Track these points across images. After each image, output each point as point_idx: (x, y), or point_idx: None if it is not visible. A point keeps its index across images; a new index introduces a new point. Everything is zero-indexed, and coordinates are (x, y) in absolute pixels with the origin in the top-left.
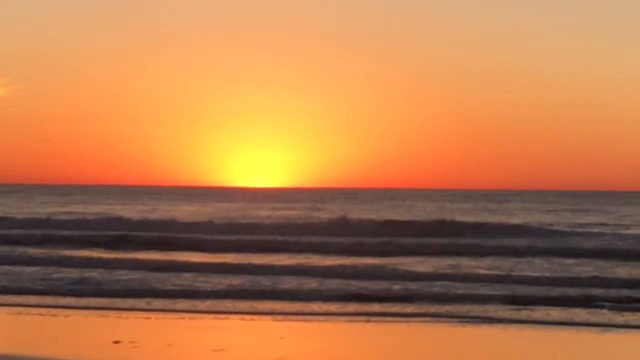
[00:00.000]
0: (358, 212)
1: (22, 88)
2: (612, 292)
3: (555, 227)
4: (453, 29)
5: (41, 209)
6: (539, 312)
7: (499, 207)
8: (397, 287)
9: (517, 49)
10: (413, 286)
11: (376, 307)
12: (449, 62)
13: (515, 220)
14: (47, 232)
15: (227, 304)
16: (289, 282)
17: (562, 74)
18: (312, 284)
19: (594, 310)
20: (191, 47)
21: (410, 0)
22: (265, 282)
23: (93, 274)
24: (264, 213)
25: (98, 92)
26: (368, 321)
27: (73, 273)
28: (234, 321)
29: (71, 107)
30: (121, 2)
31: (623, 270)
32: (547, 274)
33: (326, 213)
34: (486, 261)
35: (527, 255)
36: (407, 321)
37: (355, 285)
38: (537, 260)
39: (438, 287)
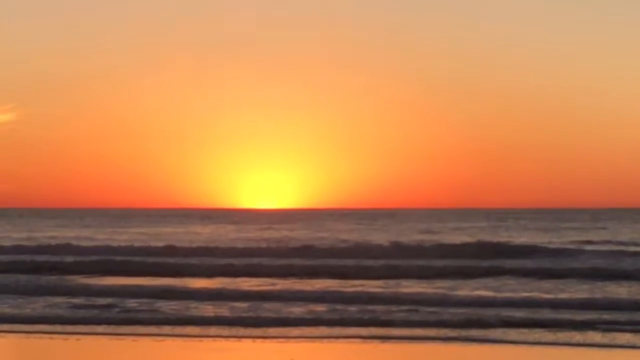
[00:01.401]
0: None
1: (27, 112)
2: None
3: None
4: (459, 46)
5: (55, 232)
6: None
7: (515, 225)
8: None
9: (526, 65)
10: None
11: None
12: (457, 80)
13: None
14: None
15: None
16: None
17: (573, 92)
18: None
19: None
20: (198, 68)
21: (416, 17)
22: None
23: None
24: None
25: (104, 114)
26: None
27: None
28: (245, 343)
29: (77, 129)
30: (125, 23)
31: None
32: None
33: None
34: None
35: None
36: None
37: None
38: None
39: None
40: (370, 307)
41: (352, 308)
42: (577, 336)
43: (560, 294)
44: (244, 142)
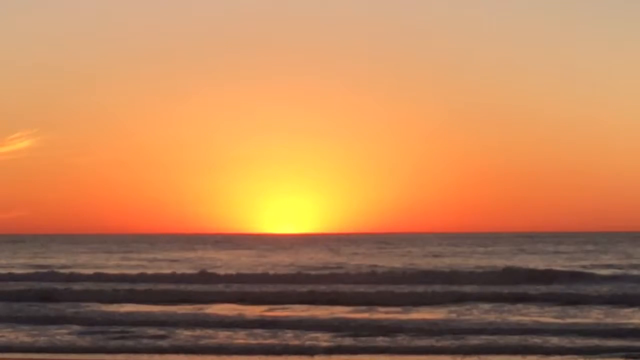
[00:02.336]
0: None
1: (50, 138)
2: None
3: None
4: (478, 71)
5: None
6: None
7: (536, 248)
8: None
9: (544, 88)
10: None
11: None
12: (474, 105)
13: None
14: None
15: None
16: None
17: (589, 115)
18: None
19: None
20: (219, 96)
21: (434, 42)
22: None
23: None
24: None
25: (125, 141)
26: None
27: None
28: None
29: (99, 156)
30: (146, 50)
31: None
32: None
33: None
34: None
35: None
36: None
37: None
38: None
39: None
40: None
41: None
42: None
43: None
44: (264, 168)
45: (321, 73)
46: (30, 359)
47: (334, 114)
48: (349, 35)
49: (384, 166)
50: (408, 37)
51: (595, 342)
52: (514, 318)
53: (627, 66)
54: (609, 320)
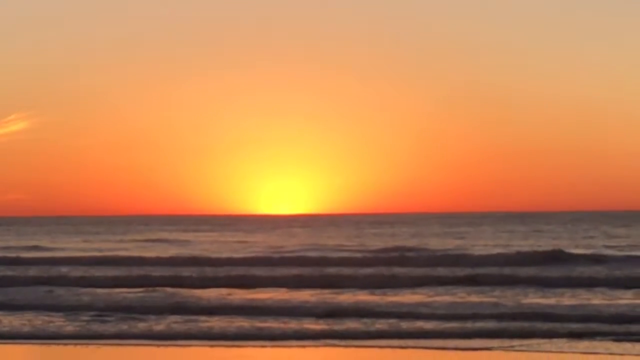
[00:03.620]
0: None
1: (46, 120)
2: None
3: None
4: (471, 53)
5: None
6: None
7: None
8: None
9: (537, 70)
10: None
11: None
12: (469, 85)
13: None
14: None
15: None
16: None
17: (584, 94)
18: None
19: None
20: (214, 79)
21: (429, 26)
22: None
23: None
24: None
25: (122, 123)
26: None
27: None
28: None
29: (95, 138)
30: (144, 34)
31: None
32: None
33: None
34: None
35: None
36: None
37: None
38: None
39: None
40: None
41: None
42: None
43: None
44: (260, 150)
45: (316, 56)
46: None
47: (329, 97)
48: (343, 18)
49: (379, 147)
50: (402, 19)
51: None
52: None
53: (621, 47)
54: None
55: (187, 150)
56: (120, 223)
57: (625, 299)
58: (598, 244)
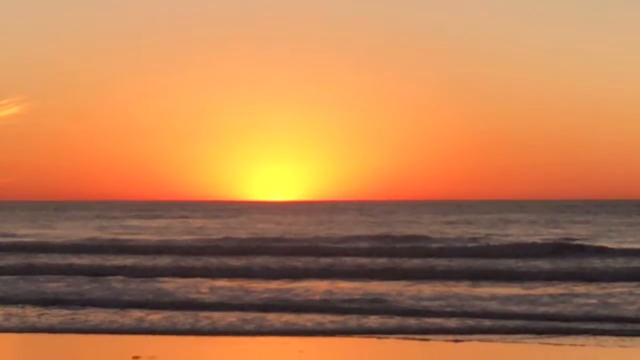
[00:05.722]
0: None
1: (38, 105)
2: None
3: None
4: (464, 41)
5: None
6: None
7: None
8: None
9: (530, 59)
10: None
11: None
12: (461, 74)
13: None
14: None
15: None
16: None
17: (576, 84)
18: None
19: None
20: (209, 65)
21: (421, 13)
22: None
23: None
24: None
25: (115, 108)
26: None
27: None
28: (255, 337)
29: (88, 123)
30: (138, 21)
31: None
32: None
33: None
34: None
35: None
36: None
37: None
38: None
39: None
40: None
41: None
42: None
43: None
44: (254, 136)
45: (312, 44)
46: None
47: (323, 83)
48: (340, 6)
49: (372, 135)
50: (397, 8)
51: None
52: None
53: (615, 35)
54: None
55: (181, 136)
56: (106, 208)
57: None
58: None
